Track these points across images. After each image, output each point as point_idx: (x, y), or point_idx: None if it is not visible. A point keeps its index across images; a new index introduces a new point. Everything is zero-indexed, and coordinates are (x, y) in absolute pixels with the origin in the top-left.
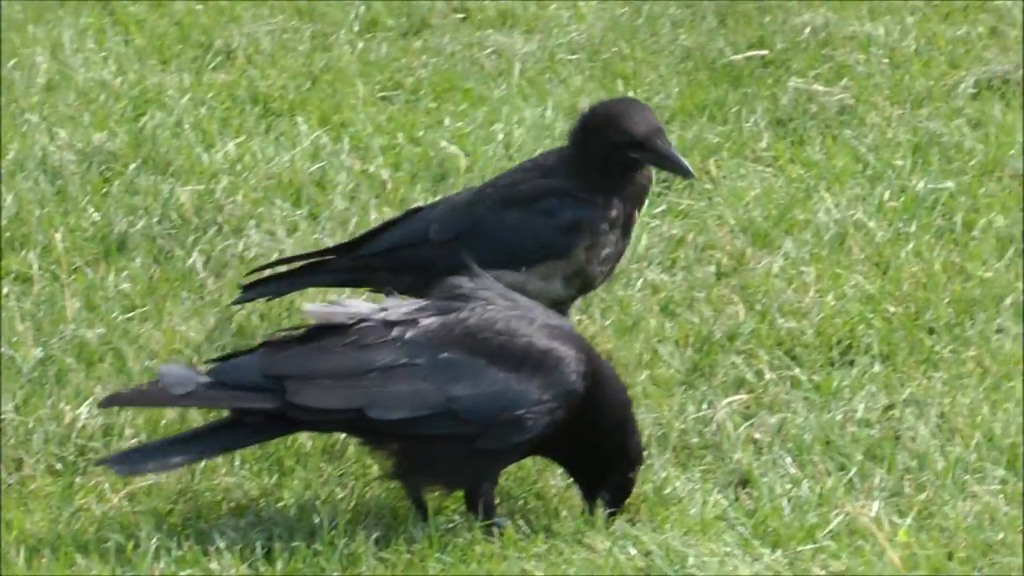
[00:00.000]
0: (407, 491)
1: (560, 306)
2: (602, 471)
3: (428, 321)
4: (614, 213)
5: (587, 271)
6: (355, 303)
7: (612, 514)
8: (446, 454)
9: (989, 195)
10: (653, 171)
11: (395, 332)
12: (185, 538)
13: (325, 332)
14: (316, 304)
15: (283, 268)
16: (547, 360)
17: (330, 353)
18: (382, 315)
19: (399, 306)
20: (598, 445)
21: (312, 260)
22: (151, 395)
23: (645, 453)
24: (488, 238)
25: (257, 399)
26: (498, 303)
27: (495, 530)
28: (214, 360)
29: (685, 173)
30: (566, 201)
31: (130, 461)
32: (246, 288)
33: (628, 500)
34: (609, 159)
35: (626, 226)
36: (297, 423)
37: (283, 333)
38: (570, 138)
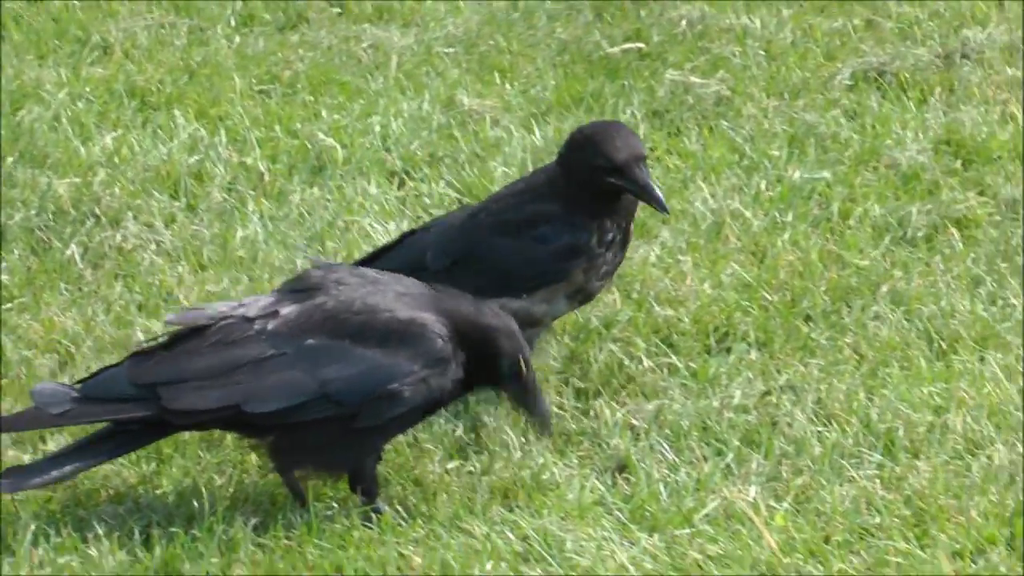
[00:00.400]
0: (287, 483)
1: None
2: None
3: (287, 311)
4: (609, 235)
5: (587, 288)
6: (214, 305)
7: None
8: (326, 438)
9: (865, 184)
10: None
11: (257, 325)
12: (64, 524)
13: (188, 336)
14: (176, 313)
15: None
16: (411, 330)
17: (197, 355)
18: (241, 311)
19: (256, 300)
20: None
21: None
22: (29, 418)
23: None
24: (485, 266)
25: (133, 409)
26: (351, 283)
27: (374, 515)
28: (84, 378)
29: (660, 207)
30: (559, 227)
31: (16, 477)
32: None
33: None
34: (590, 182)
35: (624, 242)
36: (175, 426)
37: (147, 343)
38: (558, 158)
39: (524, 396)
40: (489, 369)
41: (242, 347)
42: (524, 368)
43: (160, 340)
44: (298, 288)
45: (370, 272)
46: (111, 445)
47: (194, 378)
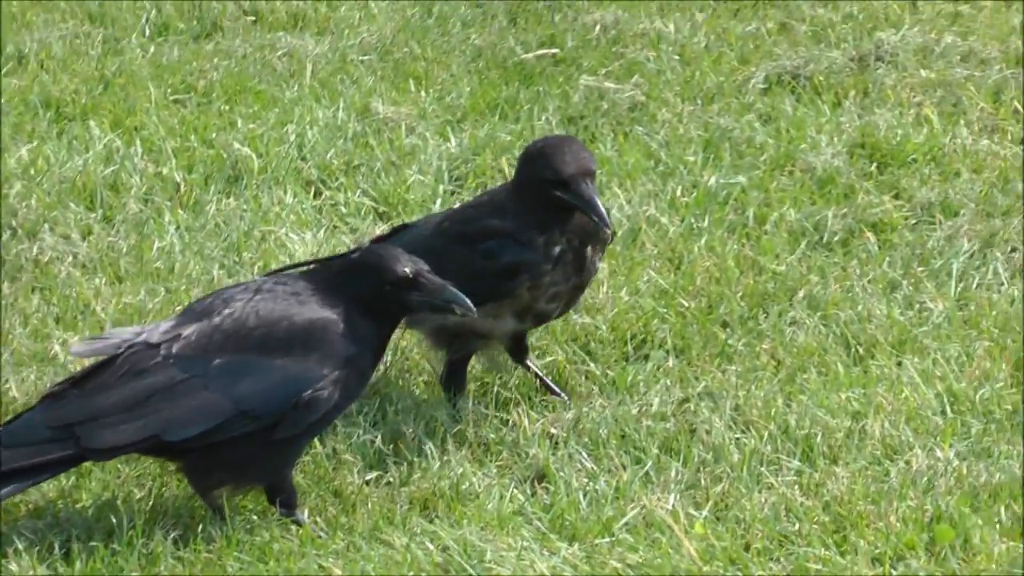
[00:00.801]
0: (204, 499)
1: (519, 335)
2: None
3: (188, 332)
4: (556, 251)
5: (537, 308)
6: (118, 331)
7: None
8: (245, 453)
9: (781, 189)
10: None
11: (163, 351)
12: None
13: (97, 370)
14: (80, 343)
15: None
16: (312, 333)
17: (109, 389)
18: (143, 338)
19: (156, 327)
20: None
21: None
22: None
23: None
24: (440, 274)
25: (54, 450)
26: (239, 298)
27: (293, 527)
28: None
29: (602, 222)
30: (507, 244)
31: None
32: None
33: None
34: (539, 195)
35: (577, 263)
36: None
37: (58, 384)
38: (515, 172)
39: (431, 294)
40: (385, 295)
41: (152, 375)
42: (409, 273)
43: (70, 378)
44: (192, 311)
45: (254, 282)
46: (31, 474)
47: (109, 414)
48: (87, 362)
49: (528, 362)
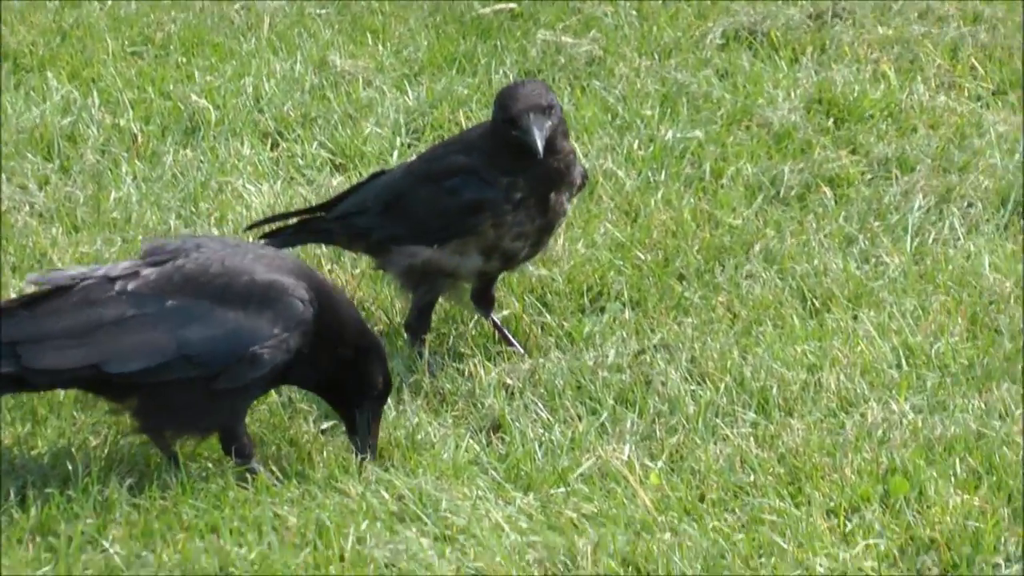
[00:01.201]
0: (157, 444)
1: (486, 278)
2: (351, 397)
3: (148, 272)
4: (518, 195)
5: (503, 247)
6: (76, 268)
7: (369, 450)
8: (187, 399)
9: (738, 144)
10: (578, 156)
11: (118, 286)
12: None
13: (50, 296)
14: (37, 273)
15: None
16: (271, 292)
17: (59, 314)
18: (102, 272)
19: (118, 264)
20: (343, 368)
21: (305, 216)
22: None
23: (393, 398)
24: (407, 213)
25: None
26: (209, 246)
27: (249, 476)
28: None
29: (531, 150)
30: (471, 181)
31: None
32: (266, 238)
33: (386, 433)
34: (500, 135)
35: (540, 206)
36: (36, 385)
37: (8, 301)
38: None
39: (373, 418)
40: (353, 380)
41: (104, 307)
42: (386, 394)
43: (22, 299)
44: (158, 251)
45: (232, 239)
46: None
47: (54, 337)
48: None
49: (491, 315)
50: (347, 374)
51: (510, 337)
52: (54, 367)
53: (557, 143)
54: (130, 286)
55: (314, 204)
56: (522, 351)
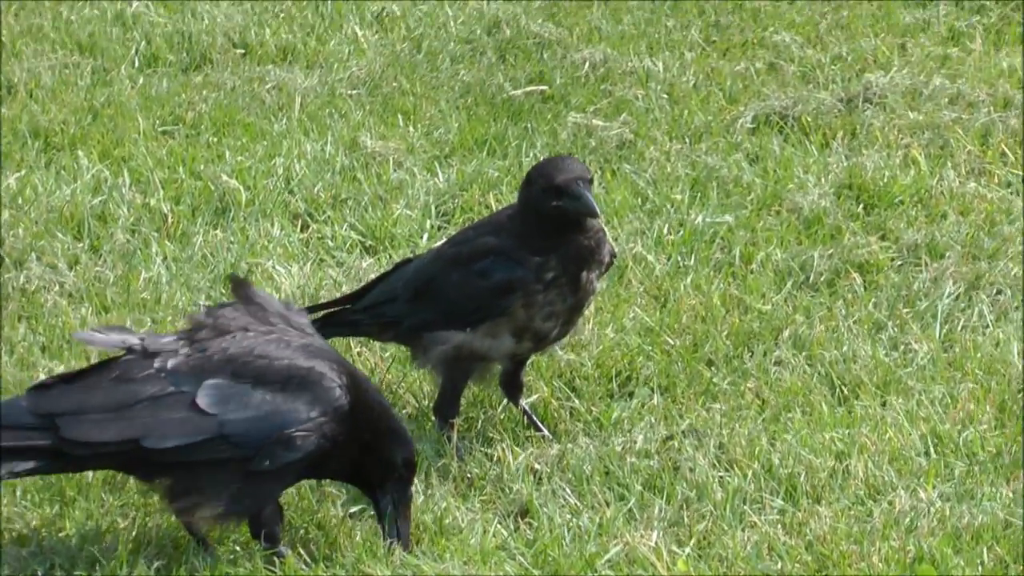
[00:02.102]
0: (186, 527)
1: (516, 360)
2: (375, 481)
3: (188, 350)
4: (550, 275)
5: (535, 327)
6: (118, 331)
7: (400, 538)
8: (222, 479)
9: (768, 229)
10: (605, 235)
11: (157, 363)
12: None
13: (90, 371)
14: (86, 332)
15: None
16: (310, 377)
17: (98, 389)
18: (141, 347)
19: (158, 337)
20: (367, 454)
21: (333, 309)
22: None
23: (422, 482)
24: (437, 298)
25: (32, 437)
26: (254, 329)
27: (276, 560)
28: None
29: (590, 211)
30: (500, 261)
31: None
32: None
33: (413, 517)
34: (538, 210)
35: (572, 285)
36: (71, 461)
37: (48, 378)
38: (519, 194)
39: (400, 506)
40: (373, 463)
41: (143, 384)
42: (412, 477)
43: (60, 375)
44: (195, 329)
45: (276, 320)
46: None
47: (94, 411)
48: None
49: (521, 401)
50: (368, 458)
51: (538, 422)
52: (91, 439)
53: (588, 220)
54: (169, 364)
55: (344, 288)
56: (550, 436)
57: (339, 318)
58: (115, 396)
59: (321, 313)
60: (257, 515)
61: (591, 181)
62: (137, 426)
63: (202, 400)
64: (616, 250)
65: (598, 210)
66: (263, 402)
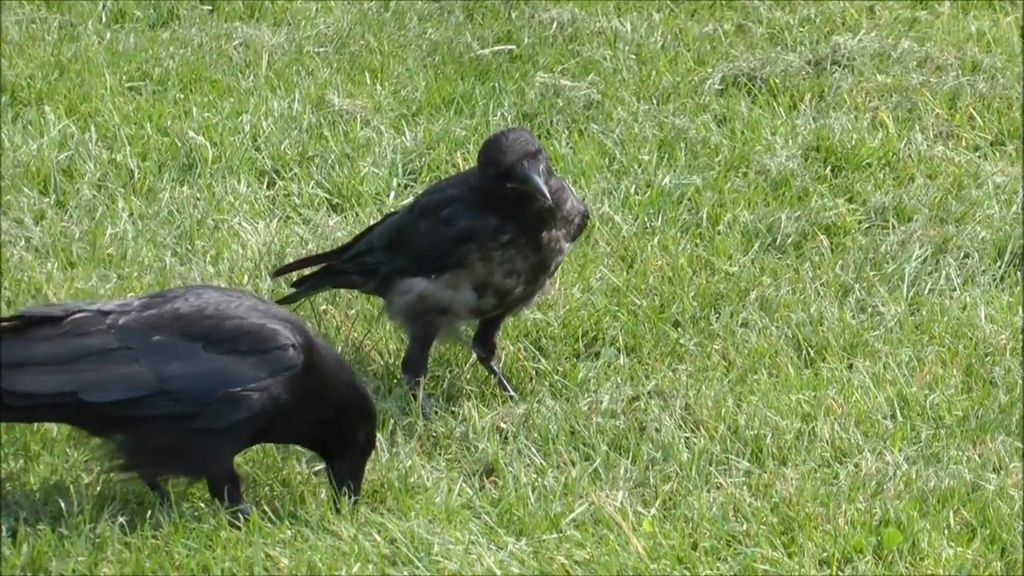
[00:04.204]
0: (144, 480)
1: (485, 319)
2: (334, 452)
3: (142, 310)
4: (506, 237)
5: (495, 282)
6: (72, 303)
7: (355, 501)
8: (169, 438)
9: (735, 190)
10: (574, 194)
11: (109, 320)
12: None
13: (42, 324)
14: (31, 306)
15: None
16: (260, 338)
17: (44, 342)
18: (96, 307)
19: (113, 300)
20: (323, 425)
21: (326, 263)
22: None
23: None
24: (407, 246)
25: None
26: (207, 292)
27: (241, 517)
28: None
29: (540, 195)
30: (462, 209)
31: None
32: (296, 285)
33: (365, 485)
34: (493, 188)
35: (533, 245)
36: (19, 412)
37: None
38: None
39: (356, 470)
40: (333, 436)
41: (90, 338)
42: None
43: (10, 324)
44: (162, 296)
45: (233, 290)
46: None
47: (36, 363)
48: None
49: (492, 363)
50: (328, 431)
51: (506, 383)
52: (29, 390)
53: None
54: (121, 320)
55: (310, 247)
56: (517, 397)
57: (332, 270)
58: (62, 349)
59: (318, 266)
60: (213, 476)
61: (538, 152)
62: (76, 380)
63: (146, 356)
64: (588, 209)
65: (546, 191)
66: (209, 359)
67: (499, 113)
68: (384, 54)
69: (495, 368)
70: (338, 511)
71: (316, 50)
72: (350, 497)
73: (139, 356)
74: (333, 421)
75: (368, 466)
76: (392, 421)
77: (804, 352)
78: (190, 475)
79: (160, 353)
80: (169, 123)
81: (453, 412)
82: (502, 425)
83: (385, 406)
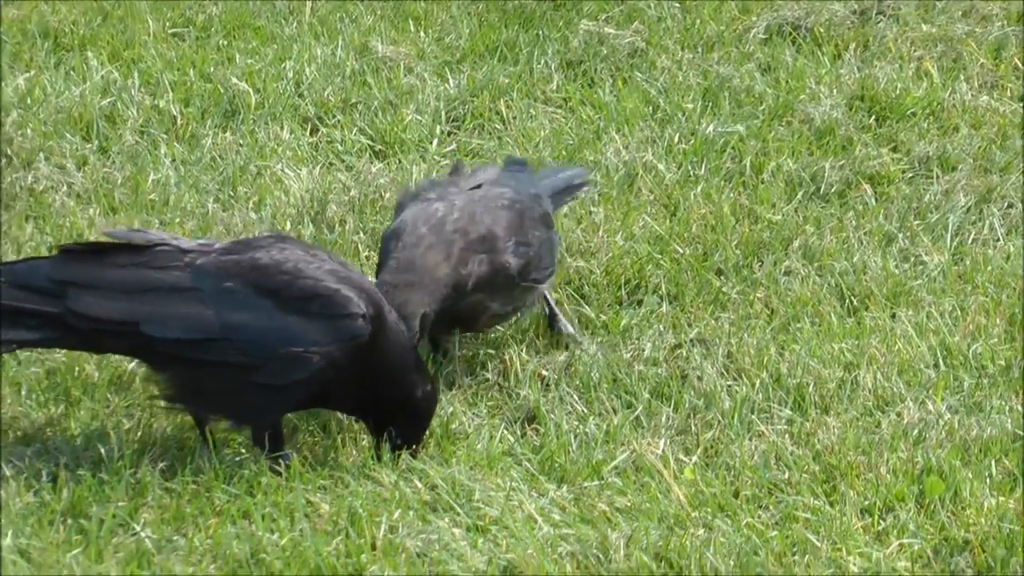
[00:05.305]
0: (193, 419)
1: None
2: (388, 423)
3: (221, 251)
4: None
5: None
6: (156, 234)
7: (397, 451)
8: (224, 385)
9: (779, 139)
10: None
11: (187, 258)
12: None
13: (123, 250)
14: (116, 228)
15: None
16: (332, 303)
17: (118, 268)
18: (177, 242)
19: (199, 240)
20: (382, 396)
21: None
22: None
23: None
24: None
25: (42, 302)
26: (292, 248)
27: (281, 463)
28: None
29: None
30: None
31: None
32: None
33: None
34: None
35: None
36: (77, 336)
37: (81, 244)
38: None
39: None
40: (390, 415)
41: (163, 272)
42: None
43: (95, 244)
44: (244, 241)
45: (320, 249)
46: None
47: (106, 287)
48: None
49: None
50: (380, 409)
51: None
52: (94, 314)
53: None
54: (199, 260)
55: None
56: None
57: None
58: (133, 277)
59: None
60: (260, 428)
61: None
62: (141, 311)
63: (213, 300)
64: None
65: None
66: (275, 316)
67: (543, 61)
68: (428, 1)
69: (552, 304)
70: (379, 458)
71: None
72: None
73: (206, 299)
74: (387, 401)
75: None
76: (434, 368)
77: (847, 301)
78: (237, 422)
79: (228, 300)
80: (212, 70)
81: (495, 359)
82: (544, 372)
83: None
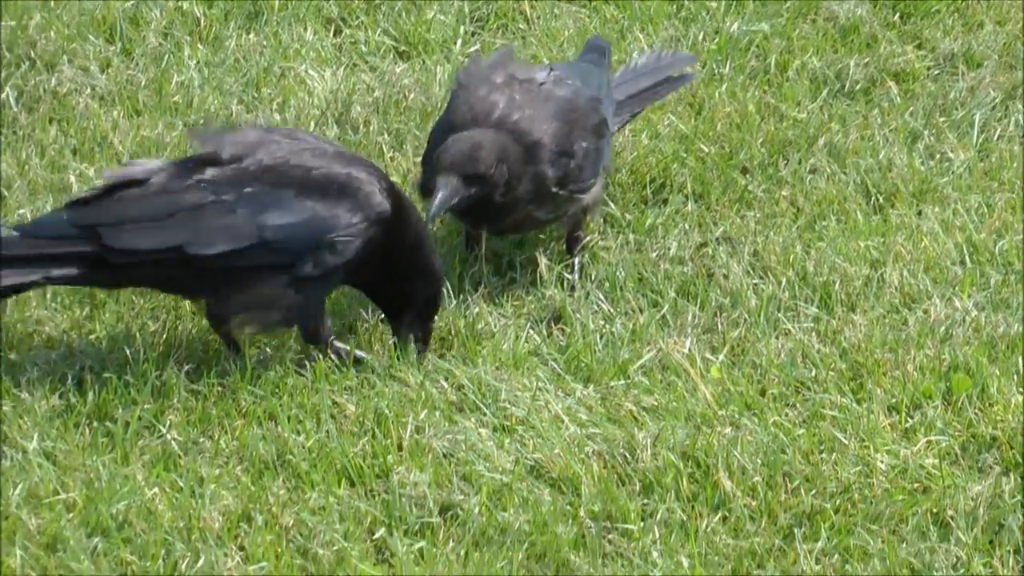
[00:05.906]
0: (220, 335)
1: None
2: (408, 291)
3: (225, 163)
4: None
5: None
6: (148, 162)
7: (422, 350)
8: (269, 289)
9: (803, 37)
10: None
11: (195, 176)
12: None
13: (126, 186)
14: (113, 169)
15: None
16: (350, 184)
17: (137, 201)
18: (175, 165)
19: (187, 158)
20: (401, 265)
21: None
22: None
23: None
24: None
25: (75, 246)
26: (283, 142)
27: (307, 363)
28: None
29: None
30: None
31: None
32: None
33: (435, 330)
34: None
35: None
36: (111, 271)
37: (85, 192)
38: None
39: (418, 327)
40: (398, 291)
41: (182, 194)
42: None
43: (97, 190)
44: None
45: (308, 136)
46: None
47: (135, 221)
48: None
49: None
50: (393, 285)
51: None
52: (136, 247)
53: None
54: (208, 174)
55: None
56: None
57: None
58: (156, 206)
59: None
60: (311, 321)
61: (465, 172)
62: (181, 234)
63: (242, 206)
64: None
65: (433, 214)
66: (304, 208)
67: None
68: None
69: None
70: (405, 359)
71: None
72: (418, 350)
73: (235, 207)
74: (404, 271)
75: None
76: (459, 268)
77: (873, 198)
78: (287, 324)
79: (256, 203)
80: None
81: (520, 259)
82: (568, 276)
83: (451, 257)
